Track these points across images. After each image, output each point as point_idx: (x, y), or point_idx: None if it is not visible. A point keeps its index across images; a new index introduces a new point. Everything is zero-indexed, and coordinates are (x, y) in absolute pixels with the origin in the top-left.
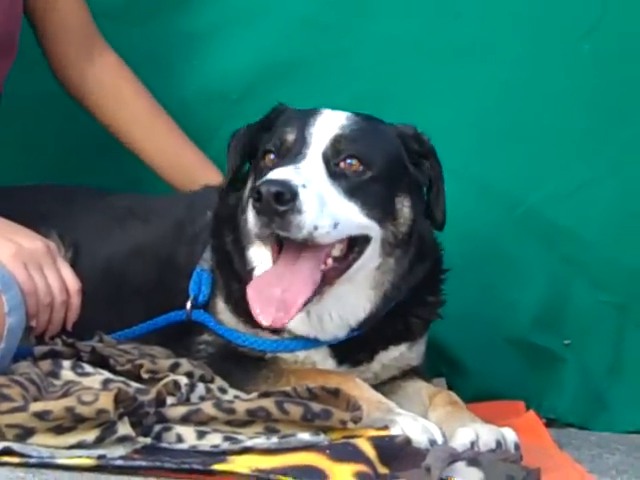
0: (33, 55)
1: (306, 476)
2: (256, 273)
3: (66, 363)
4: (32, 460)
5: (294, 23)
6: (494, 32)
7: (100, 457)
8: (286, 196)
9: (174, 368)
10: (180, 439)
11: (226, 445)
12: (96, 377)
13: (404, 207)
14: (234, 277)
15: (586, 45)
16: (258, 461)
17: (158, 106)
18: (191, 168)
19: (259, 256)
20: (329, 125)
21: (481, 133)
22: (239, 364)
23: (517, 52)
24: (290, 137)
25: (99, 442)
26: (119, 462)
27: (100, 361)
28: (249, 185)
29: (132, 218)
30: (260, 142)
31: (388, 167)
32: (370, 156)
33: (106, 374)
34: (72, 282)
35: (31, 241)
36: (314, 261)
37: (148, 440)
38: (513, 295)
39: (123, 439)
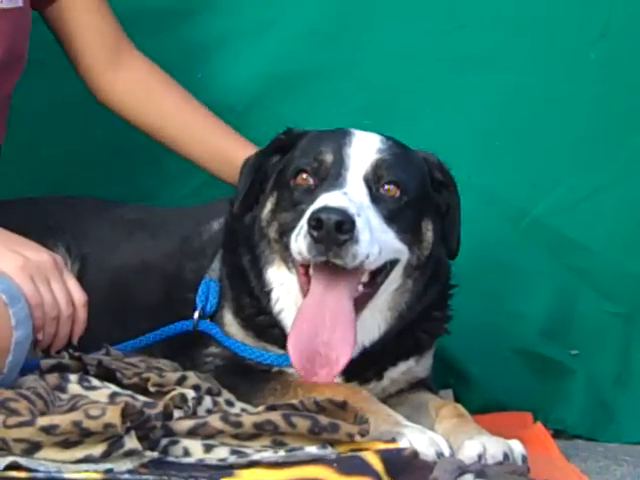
0: (42, 66)
1: None
2: (275, 294)
3: (73, 377)
4: (39, 475)
5: (300, 35)
6: (499, 42)
7: (107, 471)
8: (347, 225)
9: (181, 381)
10: (187, 453)
11: (233, 459)
12: (103, 391)
13: (428, 231)
14: (246, 292)
15: (592, 54)
16: (265, 475)
17: (190, 97)
18: (232, 154)
19: (279, 277)
20: (366, 148)
21: (486, 143)
22: (246, 377)
23: (523, 62)
24: (328, 158)
25: (106, 456)
26: (126, 476)
27: (107, 374)
28: (269, 206)
29: (140, 231)
30: (269, 165)
31: (419, 192)
32: (406, 182)
33: (113, 388)
34: (79, 295)
35: (38, 254)
36: (348, 290)
37: (155, 454)
38: (520, 306)
39: (130, 453)
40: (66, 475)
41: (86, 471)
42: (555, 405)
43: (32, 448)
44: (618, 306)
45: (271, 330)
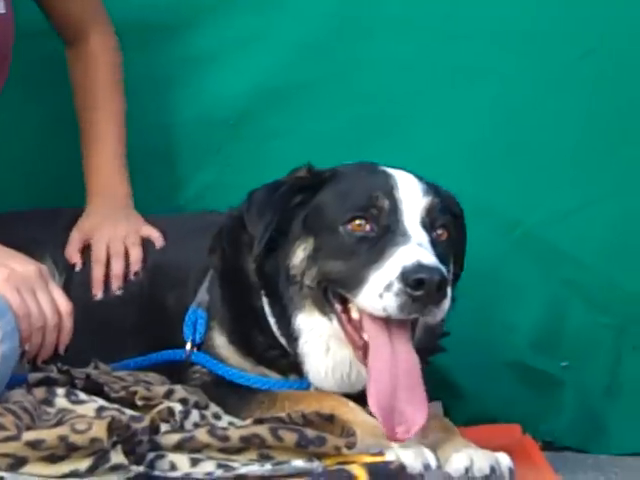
0: (30, 78)
1: None
2: (303, 339)
3: (60, 391)
4: None
5: (292, 48)
6: (491, 54)
7: None
8: (444, 284)
9: (169, 395)
10: (173, 467)
11: (220, 472)
12: (90, 405)
13: (450, 263)
14: (259, 330)
15: (585, 67)
16: None
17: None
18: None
19: (309, 323)
20: (412, 191)
21: (478, 155)
22: (233, 390)
23: (515, 74)
24: (385, 203)
25: (92, 471)
26: None
27: (95, 388)
28: (304, 253)
29: None
30: (291, 205)
31: (454, 231)
32: (450, 223)
33: (100, 402)
34: (64, 304)
35: (23, 265)
36: (411, 341)
37: (141, 468)
38: (510, 318)
39: (116, 468)
40: None
41: None
42: (545, 417)
43: (18, 463)
44: (609, 318)
45: (280, 360)
